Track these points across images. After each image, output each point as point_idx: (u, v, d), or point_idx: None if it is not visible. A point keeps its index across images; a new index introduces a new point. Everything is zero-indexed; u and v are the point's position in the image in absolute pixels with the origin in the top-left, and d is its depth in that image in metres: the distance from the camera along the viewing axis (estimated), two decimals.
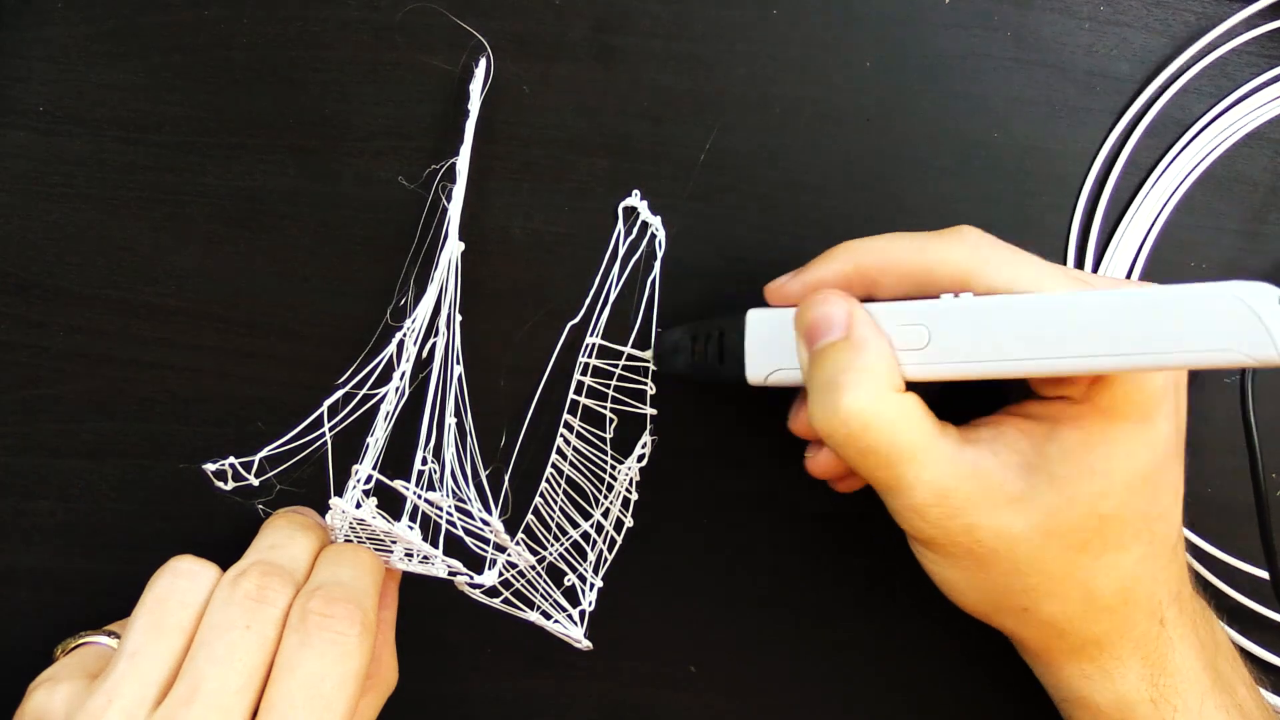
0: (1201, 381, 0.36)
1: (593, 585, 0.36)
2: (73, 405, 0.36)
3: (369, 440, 0.32)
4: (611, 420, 0.36)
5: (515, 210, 0.36)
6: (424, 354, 0.34)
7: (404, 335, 0.33)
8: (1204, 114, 0.36)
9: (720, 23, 0.36)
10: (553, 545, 0.36)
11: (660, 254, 0.36)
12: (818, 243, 0.31)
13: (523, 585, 0.35)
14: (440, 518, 0.32)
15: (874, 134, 0.36)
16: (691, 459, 0.36)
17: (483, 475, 0.35)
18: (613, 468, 0.36)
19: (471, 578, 0.33)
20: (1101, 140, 0.36)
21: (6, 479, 0.36)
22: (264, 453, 0.34)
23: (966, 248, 0.28)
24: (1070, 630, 0.29)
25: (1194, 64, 0.36)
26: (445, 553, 0.32)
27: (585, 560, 0.36)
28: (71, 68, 0.35)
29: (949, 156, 0.36)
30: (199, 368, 0.36)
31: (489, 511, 0.34)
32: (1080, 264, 0.36)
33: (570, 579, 0.36)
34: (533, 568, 0.35)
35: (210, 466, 0.35)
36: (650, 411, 0.36)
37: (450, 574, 0.33)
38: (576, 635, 0.35)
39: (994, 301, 0.27)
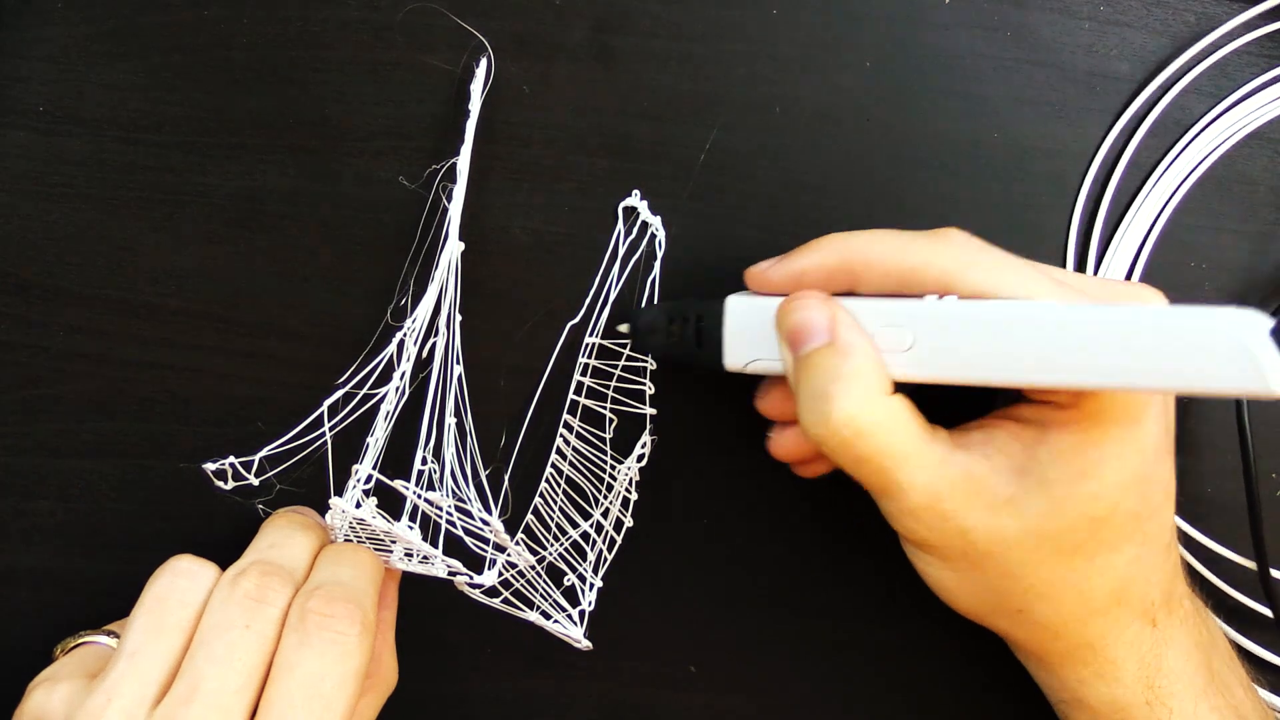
0: None
1: (592, 585, 0.36)
2: (73, 405, 0.36)
3: (369, 440, 0.32)
4: (611, 420, 0.36)
5: (515, 210, 0.36)
6: (424, 354, 0.34)
7: (404, 335, 0.33)
8: (1204, 114, 0.36)
9: (720, 23, 0.36)
10: (552, 545, 0.36)
11: (660, 254, 0.36)
12: None
13: (522, 585, 0.35)
14: (440, 518, 0.32)
15: (874, 134, 0.36)
16: (691, 459, 0.36)
17: (483, 475, 0.35)
18: (612, 468, 0.36)
19: (471, 578, 0.33)
20: (1102, 140, 0.36)
21: (6, 479, 0.36)
22: (264, 453, 0.34)
23: (953, 250, 0.28)
24: (1064, 632, 0.29)
25: (1194, 64, 0.36)
26: (445, 553, 0.32)
27: (585, 560, 0.36)
28: (71, 68, 0.35)
29: (949, 156, 0.36)
30: (199, 368, 0.36)
31: (489, 511, 0.34)
32: (1081, 265, 0.36)
33: (570, 579, 0.36)
34: (532, 568, 0.35)
35: (210, 466, 0.35)
36: (650, 411, 0.36)
37: (450, 574, 0.33)
38: (576, 635, 0.35)
39: (980, 309, 0.27)
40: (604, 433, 0.36)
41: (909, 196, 0.36)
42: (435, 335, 0.34)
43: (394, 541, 0.32)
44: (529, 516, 0.36)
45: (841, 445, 0.27)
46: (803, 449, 0.32)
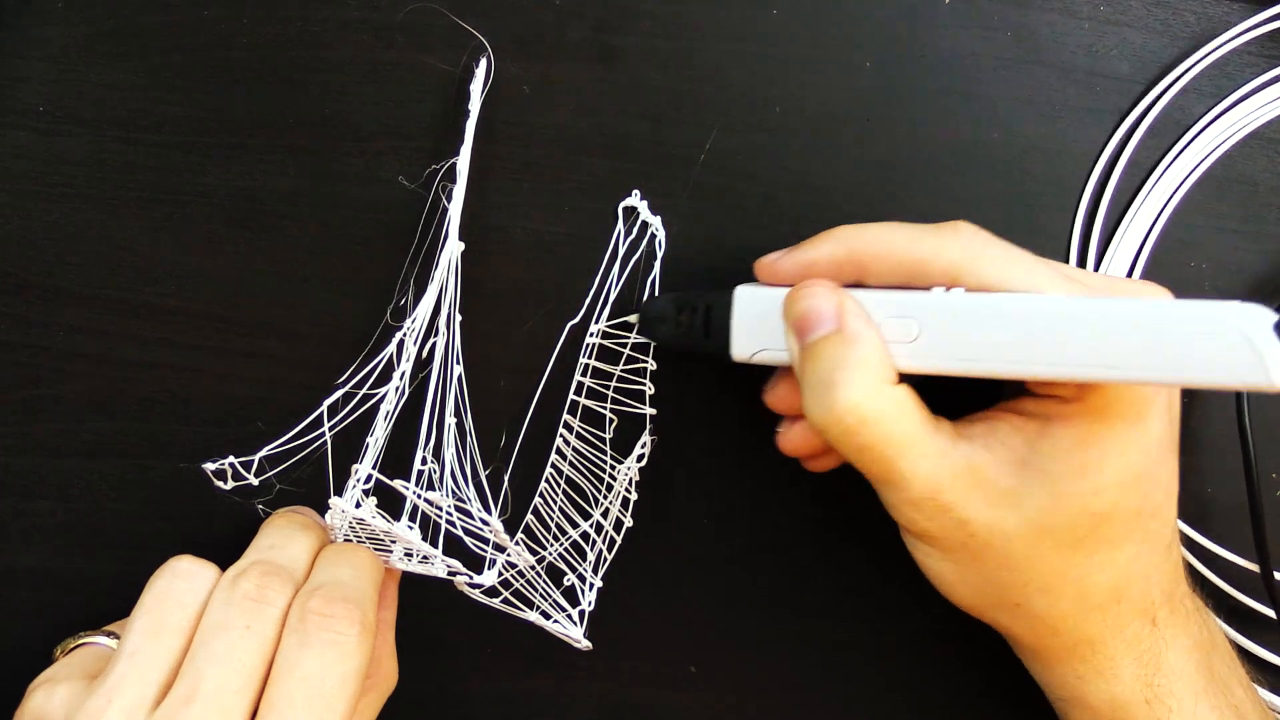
0: None
1: (592, 585, 0.36)
2: (73, 405, 0.36)
3: (369, 440, 0.32)
4: (611, 420, 0.36)
5: (515, 210, 0.36)
6: (424, 354, 0.34)
7: (404, 335, 0.33)
8: (1204, 114, 0.36)
9: (720, 23, 0.36)
10: (552, 545, 0.36)
11: (660, 254, 0.36)
12: None
13: (522, 585, 0.35)
14: (440, 518, 0.32)
15: (874, 134, 0.36)
16: (691, 460, 0.36)
17: (483, 475, 0.35)
18: (612, 468, 0.36)
19: (471, 578, 0.33)
20: (1102, 140, 0.36)
21: (6, 479, 0.36)
22: (264, 452, 0.34)
23: (960, 243, 0.28)
24: (1063, 628, 0.29)
25: (1195, 64, 0.36)
26: (445, 553, 0.32)
27: (585, 560, 0.36)
28: (71, 68, 0.35)
29: (949, 156, 0.36)
30: (199, 368, 0.36)
31: (489, 511, 0.34)
32: (1082, 264, 0.36)
33: (570, 579, 0.36)
34: (532, 568, 0.35)
35: (210, 466, 0.35)
36: (650, 411, 0.36)
37: (450, 574, 0.33)
38: (576, 635, 0.35)
39: (987, 301, 0.27)
40: (604, 433, 0.36)
41: (909, 196, 0.36)
42: (435, 335, 0.34)
43: (394, 541, 0.32)
44: (529, 516, 0.36)
45: (845, 433, 0.27)
46: (811, 443, 0.32)
